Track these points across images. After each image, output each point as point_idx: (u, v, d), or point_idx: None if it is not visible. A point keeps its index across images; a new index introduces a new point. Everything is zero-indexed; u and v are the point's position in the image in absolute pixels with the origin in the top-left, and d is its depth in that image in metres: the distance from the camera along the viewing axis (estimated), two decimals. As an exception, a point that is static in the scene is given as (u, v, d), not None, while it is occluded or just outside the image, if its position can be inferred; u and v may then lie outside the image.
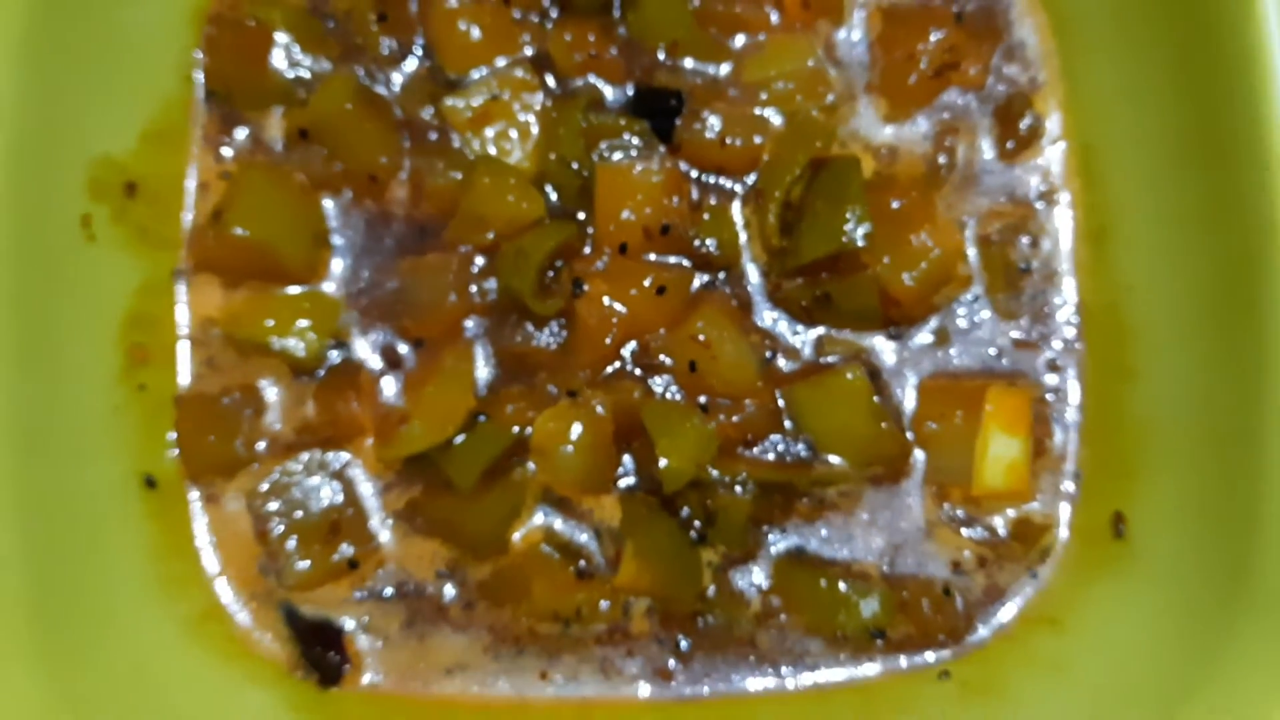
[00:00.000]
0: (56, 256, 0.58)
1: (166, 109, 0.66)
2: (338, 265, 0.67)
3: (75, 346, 0.59)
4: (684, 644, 0.64)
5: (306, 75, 0.68)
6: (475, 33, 0.68)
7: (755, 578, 0.65)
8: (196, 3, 0.68)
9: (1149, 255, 0.63)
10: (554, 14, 0.69)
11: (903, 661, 0.63)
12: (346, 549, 0.64)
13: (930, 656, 0.64)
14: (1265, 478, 0.54)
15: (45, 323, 0.57)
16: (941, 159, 0.69)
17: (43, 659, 0.53)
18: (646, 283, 0.65)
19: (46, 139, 0.57)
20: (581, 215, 0.67)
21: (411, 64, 0.69)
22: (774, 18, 0.70)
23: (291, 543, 0.64)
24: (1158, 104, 0.63)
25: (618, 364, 0.67)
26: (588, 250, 0.66)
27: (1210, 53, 0.58)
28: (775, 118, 0.68)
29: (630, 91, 0.70)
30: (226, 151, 0.67)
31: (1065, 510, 0.65)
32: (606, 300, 0.64)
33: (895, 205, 0.66)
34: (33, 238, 0.56)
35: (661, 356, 0.66)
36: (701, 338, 0.64)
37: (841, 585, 0.64)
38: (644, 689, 0.64)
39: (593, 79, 0.69)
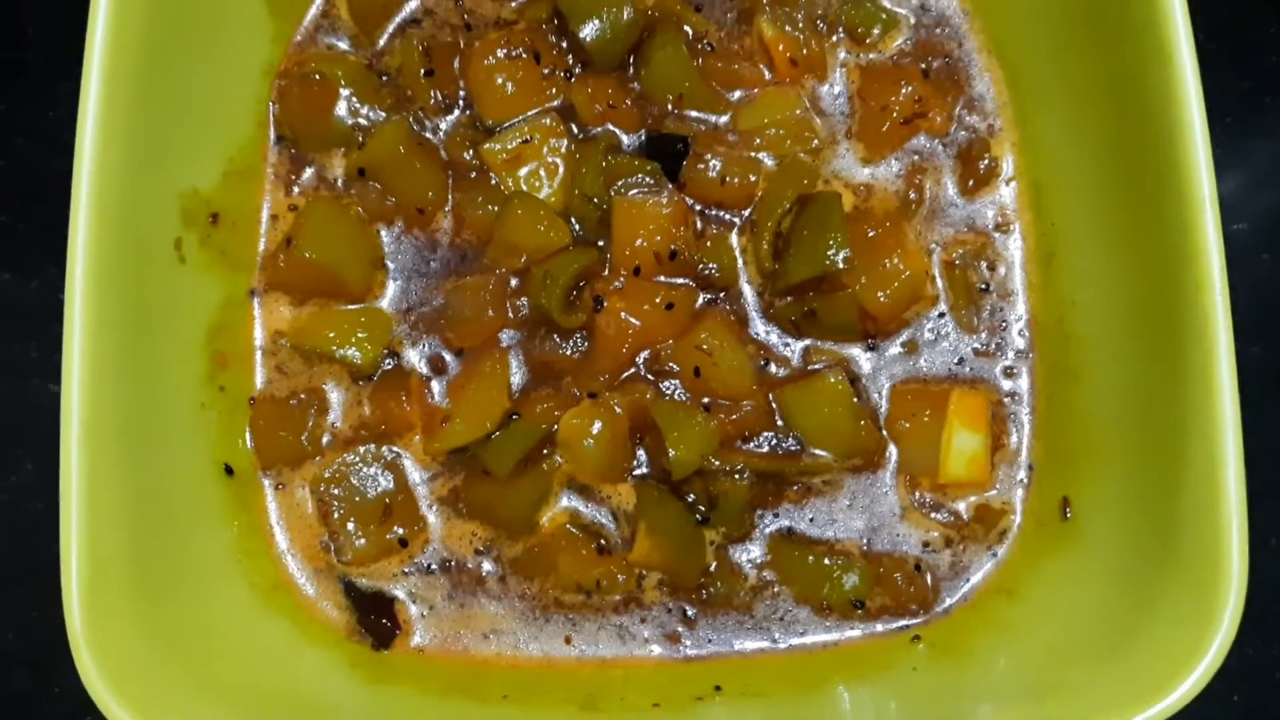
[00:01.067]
0: (154, 275, 0.65)
1: (244, 151, 0.73)
2: (391, 286, 0.74)
3: (169, 352, 0.66)
4: (690, 611, 0.70)
5: (364, 123, 0.74)
6: (509, 87, 0.74)
7: (751, 554, 0.71)
8: (269, 60, 0.74)
9: (1089, 275, 0.70)
10: (577, 70, 0.74)
11: (879, 627, 0.69)
12: (397, 530, 0.70)
13: (903, 623, 0.70)
14: (1187, 462, 0.60)
15: (145, 331, 0.64)
16: (912, 195, 0.75)
17: (143, 614, 0.59)
18: (657, 300, 0.71)
19: (146, 175, 0.64)
20: (601, 243, 0.72)
21: (455, 114, 0.75)
22: (766, 74, 0.76)
23: (350, 524, 0.70)
24: (1094, 147, 0.69)
25: (632, 370, 0.72)
26: (606, 272, 0.72)
27: (1138, 104, 0.64)
28: (768, 160, 0.74)
29: (643, 137, 0.75)
30: (295, 189, 0.74)
31: (1020, 497, 0.71)
32: (623, 315, 0.70)
33: (871, 234, 0.72)
34: (136, 258, 0.63)
35: (670, 364, 0.72)
36: (704, 347, 0.70)
37: (826, 561, 0.70)
38: (655, 650, 0.69)
39: (610, 127, 0.75)
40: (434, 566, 0.70)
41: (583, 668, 0.69)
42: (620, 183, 0.72)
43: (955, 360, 0.73)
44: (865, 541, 0.71)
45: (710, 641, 0.70)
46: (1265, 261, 0.84)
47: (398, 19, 0.76)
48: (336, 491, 0.70)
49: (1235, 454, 0.57)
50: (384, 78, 0.76)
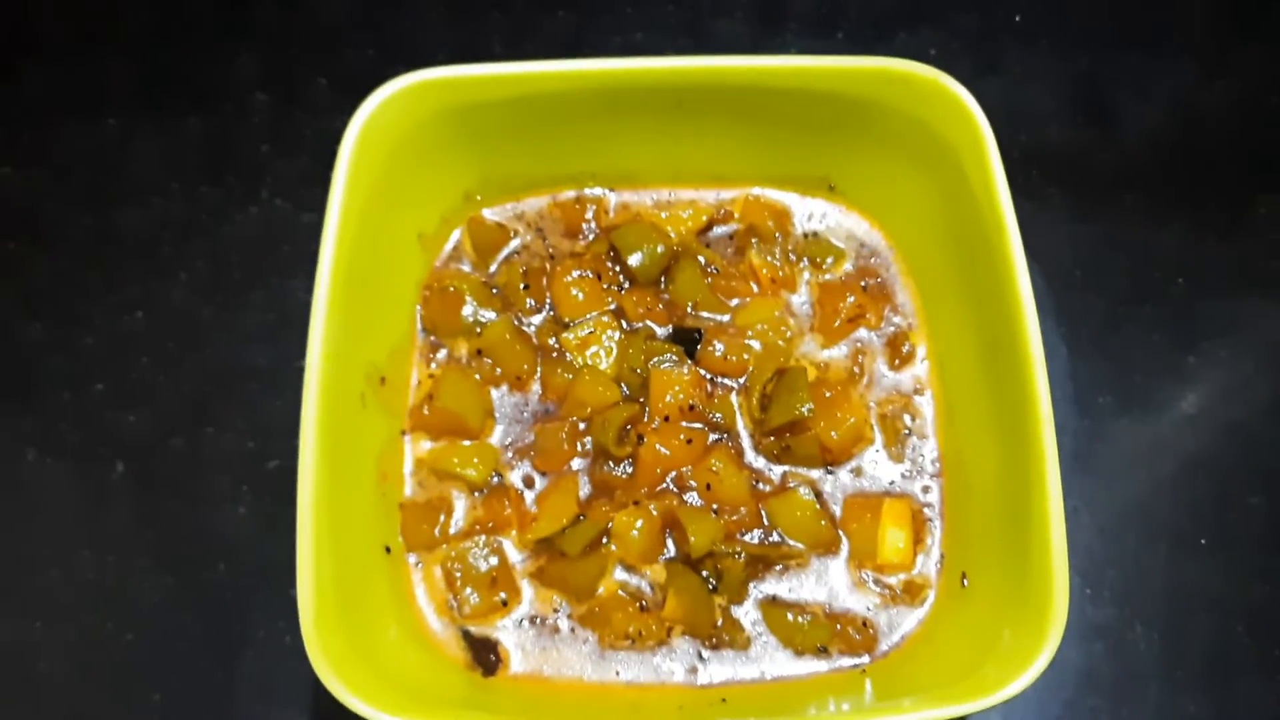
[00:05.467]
0: (348, 416, 0.84)
1: (401, 336, 0.94)
2: (498, 429, 0.94)
3: (355, 468, 0.85)
4: (704, 653, 0.87)
5: (481, 319, 0.96)
6: (580, 295, 0.96)
7: (747, 613, 0.88)
8: (420, 278, 0.97)
9: (973, 422, 0.89)
10: (626, 286, 0.97)
11: (838, 664, 0.87)
12: (501, 595, 0.87)
13: (855, 661, 0.87)
14: (1031, 540, 0.77)
15: (343, 454, 0.82)
16: (855, 369, 0.95)
17: (343, 630, 0.77)
18: (681, 437, 0.90)
19: (345, 353, 0.84)
20: (642, 400, 0.91)
21: (542, 314, 0.96)
22: (754, 288, 0.98)
23: (467, 589, 0.87)
24: (971, 340, 0.89)
25: (663, 486, 0.90)
26: (646, 419, 0.91)
27: (997, 317, 0.83)
28: (756, 345, 0.94)
29: (670, 330, 0.96)
30: (433, 364, 0.95)
31: (935, 575, 0.89)
32: (658, 447, 0.89)
33: (827, 395, 0.91)
34: (338, 406, 0.82)
35: (690, 481, 0.89)
36: (714, 469, 0.89)
37: (799, 619, 0.86)
38: (679, 678, 0.86)
39: (649, 323, 0.96)
40: (525, 621, 0.88)
41: (628, 691, 0.85)
42: (655, 359, 0.93)
43: (888, 482, 0.92)
44: (828, 605, 0.88)
45: (717, 673, 0.86)
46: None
47: (505, 252, 1.01)
48: (458, 566, 0.88)
49: (1059, 533, 0.76)
50: (494, 290, 0.97)
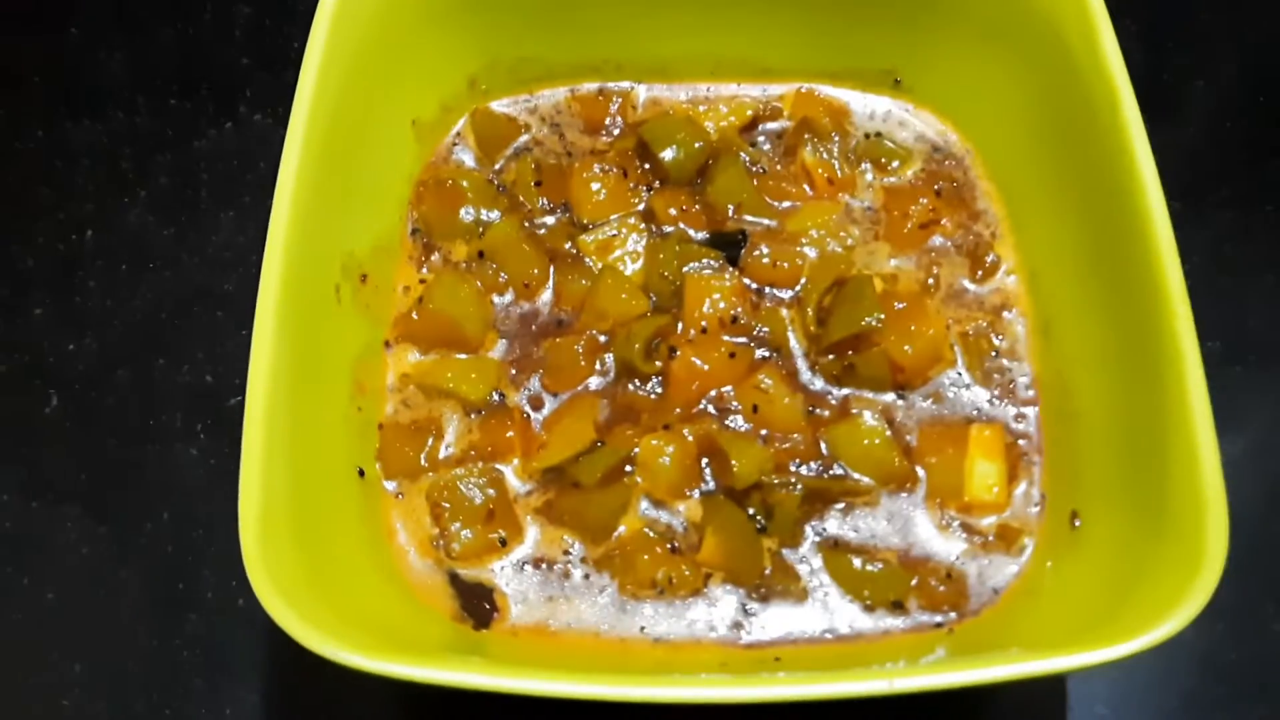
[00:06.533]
0: (319, 309, 0.75)
1: (388, 234, 0.85)
2: (501, 343, 0.84)
3: (324, 371, 0.76)
4: (750, 606, 0.75)
5: (484, 220, 0.88)
6: (602, 194, 0.87)
7: (804, 557, 0.77)
8: (411, 172, 0.89)
9: (1079, 341, 0.79)
10: (656, 185, 0.88)
11: (918, 618, 0.75)
12: (499, 531, 0.77)
13: (938, 619, 0.75)
14: (1168, 477, 0.67)
15: (309, 354, 0.73)
16: (930, 281, 0.85)
17: (296, 557, 0.66)
18: (722, 349, 0.80)
19: (317, 237, 0.75)
20: (674, 310, 0.82)
21: (557, 215, 0.88)
22: (808, 191, 0.89)
23: (457, 524, 0.76)
24: (1074, 246, 0.80)
25: (700, 408, 0.80)
26: (679, 332, 0.82)
27: (1112, 211, 0.74)
28: (810, 251, 0.85)
29: (707, 235, 0.86)
30: (424, 268, 0.86)
31: (1035, 519, 0.78)
32: (693, 360, 0.80)
33: (898, 306, 0.81)
34: (306, 295, 0.73)
35: (732, 403, 0.80)
36: (761, 386, 0.79)
37: (869, 567, 0.75)
38: (719, 635, 0.75)
39: (682, 226, 0.86)
40: (527, 564, 0.77)
41: (655, 650, 0.74)
42: (691, 265, 0.84)
43: (973, 409, 0.81)
44: (903, 551, 0.77)
45: (766, 629, 0.75)
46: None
47: (513, 146, 0.92)
48: (447, 496, 0.77)
49: (1209, 440, 0.65)
50: (501, 189, 0.89)
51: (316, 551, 0.70)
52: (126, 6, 1.17)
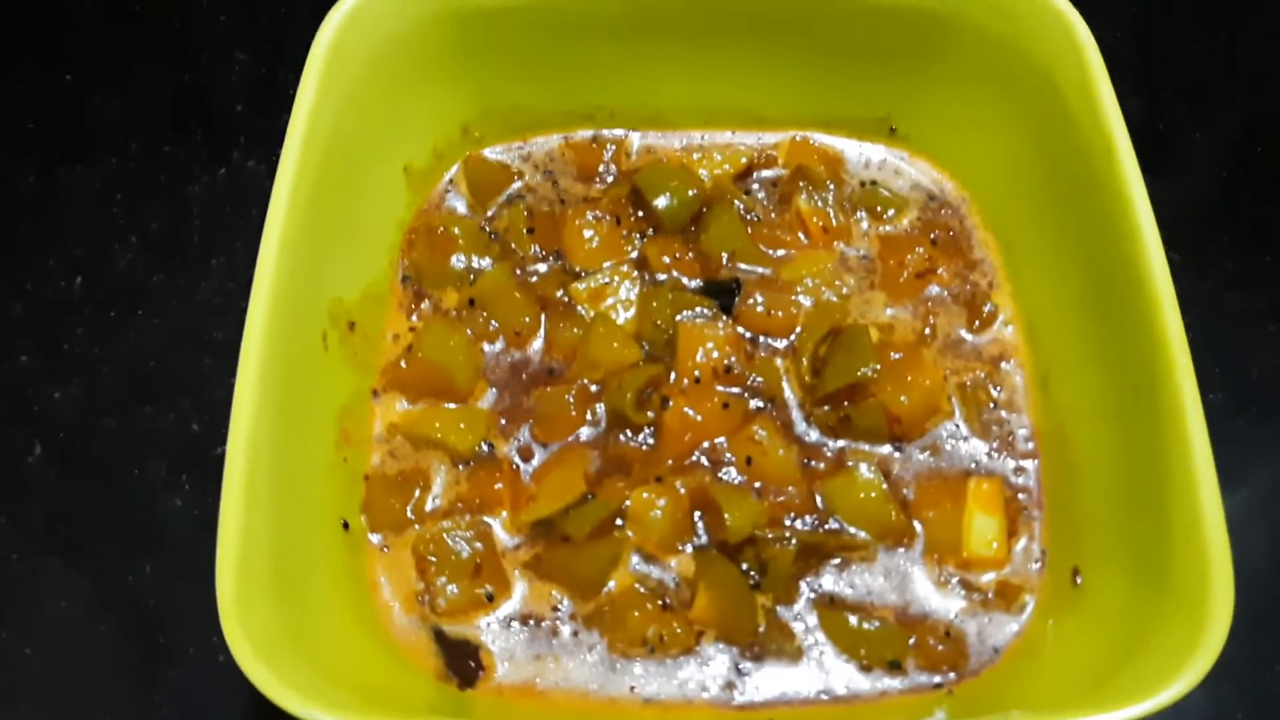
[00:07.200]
0: (305, 357, 0.74)
1: (378, 282, 0.84)
2: (490, 392, 0.82)
3: (309, 423, 0.74)
4: (743, 665, 0.73)
5: (475, 268, 0.86)
6: (595, 241, 0.87)
7: (798, 615, 0.75)
8: (403, 219, 0.88)
9: (1078, 393, 0.78)
10: (650, 232, 0.87)
11: (916, 679, 0.73)
12: (486, 587, 0.75)
13: (937, 679, 0.73)
14: (1171, 534, 0.66)
15: (294, 402, 0.71)
16: (926, 330, 0.85)
17: (275, 609, 0.64)
18: (715, 400, 0.79)
19: (305, 283, 0.74)
20: (666, 360, 0.81)
21: (549, 262, 0.86)
22: (803, 239, 0.88)
23: (443, 579, 0.75)
24: (1072, 297, 0.79)
25: (693, 459, 0.78)
26: (672, 381, 0.80)
27: (1110, 261, 0.73)
28: (805, 300, 0.84)
29: (701, 283, 0.85)
30: (414, 315, 0.85)
31: (1036, 575, 0.76)
32: (686, 410, 0.78)
33: (895, 357, 0.80)
34: (291, 342, 0.72)
35: (726, 454, 0.78)
36: (756, 438, 0.78)
37: (865, 625, 0.73)
38: (711, 696, 0.72)
39: (676, 273, 0.85)
40: (514, 620, 0.75)
41: (645, 711, 0.72)
42: (684, 313, 0.83)
43: (971, 462, 0.80)
44: (900, 609, 0.75)
45: (760, 689, 0.72)
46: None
47: (506, 193, 0.91)
48: (433, 549, 0.75)
49: (1212, 494, 0.64)
50: (493, 236, 0.88)
51: (297, 606, 0.68)
52: (121, 51, 1.16)
